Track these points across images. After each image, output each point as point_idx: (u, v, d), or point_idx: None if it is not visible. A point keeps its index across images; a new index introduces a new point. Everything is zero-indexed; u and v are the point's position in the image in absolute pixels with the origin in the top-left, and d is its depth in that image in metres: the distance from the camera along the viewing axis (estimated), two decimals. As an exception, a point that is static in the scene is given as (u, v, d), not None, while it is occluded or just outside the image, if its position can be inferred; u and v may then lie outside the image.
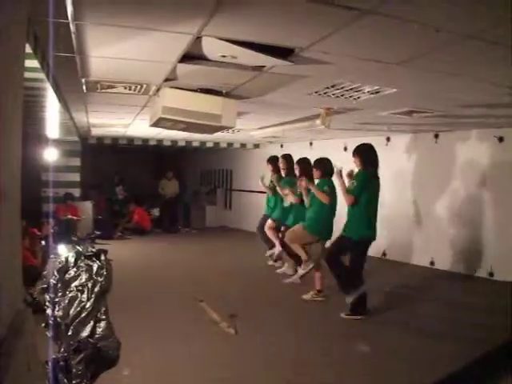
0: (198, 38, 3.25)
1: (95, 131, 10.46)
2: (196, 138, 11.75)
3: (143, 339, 4.68)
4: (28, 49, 3.14)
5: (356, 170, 5.59)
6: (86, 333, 4.65)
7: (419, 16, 2.76)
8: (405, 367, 4.16)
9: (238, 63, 3.87)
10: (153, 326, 5.09)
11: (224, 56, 3.68)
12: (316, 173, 6.26)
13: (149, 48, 3.59)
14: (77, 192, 12.22)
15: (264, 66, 4.03)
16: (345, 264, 5.53)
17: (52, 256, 8.73)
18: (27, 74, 3.97)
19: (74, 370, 3.67)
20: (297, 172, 6.88)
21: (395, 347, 4.67)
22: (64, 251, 8.96)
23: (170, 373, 3.97)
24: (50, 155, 10.87)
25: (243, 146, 13.00)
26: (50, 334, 4.72)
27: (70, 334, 4.61)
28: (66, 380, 3.55)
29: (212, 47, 3.45)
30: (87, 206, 12.01)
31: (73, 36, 3.26)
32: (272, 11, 2.73)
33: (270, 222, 7.80)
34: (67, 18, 2.89)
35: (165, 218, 13.53)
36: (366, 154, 5.45)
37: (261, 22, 2.93)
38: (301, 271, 6.68)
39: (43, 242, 8.87)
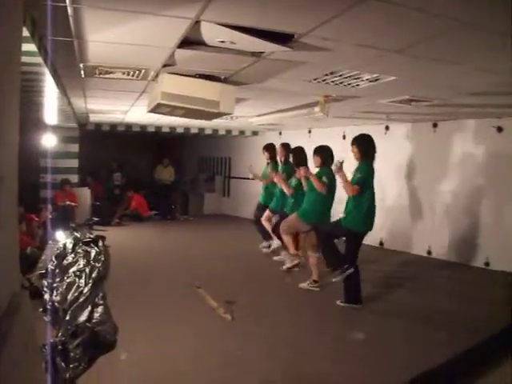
0: (197, 23, 3.22)
1: (93, 117, 10.42)
2: (194, 124, 11.72)
3: (140, 324, 4.70)
4: (25, 32, 3.12)
5: (350, 158, 5.56)
6: (83, 317, 4.66)
7: (420, 2, 2.74)
8: (402, 355, 4.19)
9: (237, 49, 3.85)
10: (149, 312, 5.11)
11: (223, 41, 3.66)
12: (316, 160, 6.14)
13: (147, 33, 3.56)
14: (75, 178, 12.20)
15: (263, 52, 4.00)
16: (337, 247, 5.56)
17: (50, 242, 8.75)
18: (24, 59, 3.94)
19: (71, 354, 3.69)
20: (291, 160, 6.95)
21: (392, 335, 4.72)
22: (62, 237, 8.97)
23: (165, 357, 4.00)
24: (49, 141, 10.85)
25: (242, 133, 12.96)
26: (47, 318, 4.74)
27: (67, 318, 4.62)
28: (63, 364, 3.57)
29: (211, 32, 3.43)
30: (85, 193, 12.01)
31: (70, 20, 3.23)
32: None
33: (267, 212, 7.79)
34: (65, 1, 2.87)
35: (161, 204, 13.49)
36: (366, 146, 5.39)
37: (260, 7, 2.91)
38: (287, 264, 6.80)
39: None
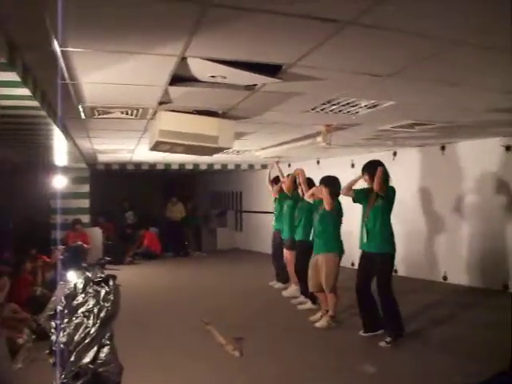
0: (184, 59, 3.26)
1: (102, 157, 10.55)
2: (203, 160, 11.77)
3: (147, 363, 4.66)
4: (16, 77, 3.17)
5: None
6: (88, 358, 4.60)
7: (405, 25, 2.73)
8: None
9: (229, 83, 3.88)
10: (157, 350, 5.05)
11: (213, 76, 3.69)
12: (324, 191, 5.85)
13: (136, 72, 3.61)
14: (86, 218, 12.27)
15: (256, 85, 4.03)
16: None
17: (61, 282, 8.75)
18: (20, 103, 4.03)
19: (72, 397, 3.63)
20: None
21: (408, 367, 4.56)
22: (73, 277, 8.96)
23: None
24: (59, 182, 10.98)
25: (251, 166, 13.00)
26: (52, 360, 4.69)
27: (72, 359, 4.57)
28: (63, 408, 3.50)
29: (199, 68, 3.46)
30: (97, 232, 12.07)
31: (61, 62, 3.29)
32: (251, 29, 2.73)
33: (286, 252, 7.56)
34: (52, 45, 2.93)
35: (172, 241, 13.50)
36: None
37: (242, 41, 2.94)
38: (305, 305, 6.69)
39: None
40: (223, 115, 5.20)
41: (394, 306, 5.16)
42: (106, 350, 4.87)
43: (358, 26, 2.72)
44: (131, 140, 7.45)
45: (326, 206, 5.77)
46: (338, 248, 5.91)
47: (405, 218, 8.83)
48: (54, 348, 4.93)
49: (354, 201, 5.52)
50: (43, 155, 8.96)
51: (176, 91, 4.19)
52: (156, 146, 5.28)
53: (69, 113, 5.02)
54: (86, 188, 12.50)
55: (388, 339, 5.05)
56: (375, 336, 5.26)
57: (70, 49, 3.03)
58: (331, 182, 5.95)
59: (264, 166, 13.07)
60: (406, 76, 3.83)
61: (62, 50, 3.04)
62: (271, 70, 3.53)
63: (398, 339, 5.09)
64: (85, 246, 11.03)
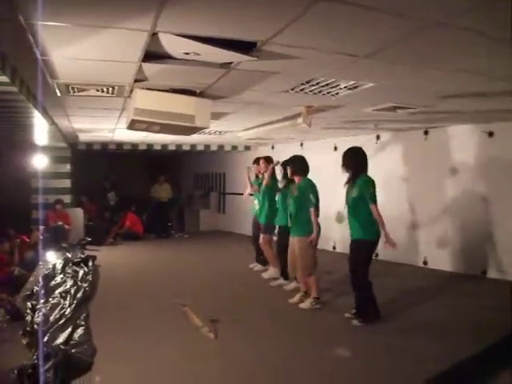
0: (155, 35, 3.17)
1: (83, 137, 10.40)
2: (186, 141, 11.68)
3: (121, 345, 4.63)
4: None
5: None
6: (61, 339, 4.58)
7: (385, 4, 2.67)
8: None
9: (204, 60, 3.79)
10: (132, 332, 5.02)
11: (187, 53, 3.60)
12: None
13: (107, 47, 3.50)
14: (67, 198, 12.15)
15: (231, 63, 3.95)
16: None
17: (40, 263, 8.68)
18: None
19: (42, 378, 3.59)
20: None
21: (384, 348, 4.59)
22: (53, 258, 8.91)
23: (140, 379, 3.91)
24: (39, 162, 10.83)
25: (234, 148, 12.92)
26: (25, 341, 4.64)
27: (45, 340, 4.53)
28: (32, 388, 3.47)
29: (172, 44, 3.38)
30: (78, 213, 11.97)
31: (29, 36, 3.19)
32: (222, 3, 2.65)
33: (263, 236, 7.59)
34: (18, 18, 2.83)
35: (156, 222, 13.39)
36: (360, 158, 5.38)
37: (213, 16, 2.85)
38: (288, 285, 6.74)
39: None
40: (200, 94, 5.12)
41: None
42: (80, 330, 4.85)
43: (329, 2, 2.64)
44: (110, 119, 7.33)
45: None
46: (309, 231, 5.86)
47: (387, 202, 8.87)
48: (28, 328, 4.88)
49: None
50: (22, 134, 8.80)
51: (150, 68, 4.09)
52: (132, 125, 5.19)
53: (44, 90, 4.90)
54: (67, 168, 12.38)
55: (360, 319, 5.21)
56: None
57: (37, 22, 2.92)
58: (291, 162, 6.30)
59: (247, 148, 13.01)
60: (383, 58, 3.78)
61: (28, 23, 2.94)
62: (246, 47, 3.45)
63: (373, 321, 5.16)
64: (65, 226, 10.95)
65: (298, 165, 6.16)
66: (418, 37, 3.24)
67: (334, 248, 10.16)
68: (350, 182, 5.31)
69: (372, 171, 5.40)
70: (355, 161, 5.32)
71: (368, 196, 5.11)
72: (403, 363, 4.18)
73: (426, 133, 8.46)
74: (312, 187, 5.95)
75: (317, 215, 5.87)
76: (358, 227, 5.19)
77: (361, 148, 5.46)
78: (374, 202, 5.10)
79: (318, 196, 5.98)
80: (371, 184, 5.19)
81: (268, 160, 7.76)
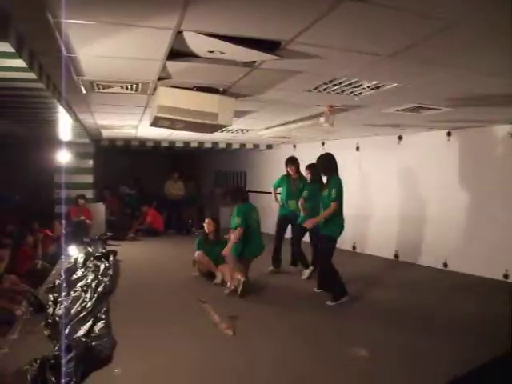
0: (180, 33, 3.20)
1: (106, 133, 10.51)
2: (208, 138, 11.74)
3: (139, 339, 4.69)
4: (9, 48, 3.13)
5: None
6: (82, 331, 4.65)
7: (408, 3, 2.66)
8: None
9: (228, 59, 3.82)
10: (151, 327, 5.07)
11: (212, 52, 3.63)
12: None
13: (132, 45, 3.55)
14: (90, 193, 12.32)
15: (255, 62, 3.97)
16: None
17: (63, 257, 8.83)
18: (17, 74, 3.99)
19: (63, 369, 3.66)
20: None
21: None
22: (75, 252, 9.05)
23: (158, 372, 3.96)
24: (63, 157, 11.00)
25: (256, 146, 12.91)
26: (47, 332, 4.72)
27: (66, 332, 4.61)
28: (53, 378, 3.53)
29: (197, 42, 3.40)
30: (100, 208, 12.12)
31: (56, 34, 3.25)
32: (246, 2, 2.66)
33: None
34: (47, 16, 2.88)
35: (172, 219, 13.44)
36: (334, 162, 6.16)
37: (238, 15, 2.87)
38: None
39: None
40: (224, 92, 5.15)
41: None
42: (100, 323, 4.93)
43: (354, 2, 2.64)
44: (134, 115, 7.41)
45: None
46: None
47: (405, 202, 8.81)
48: (49, 320, 4.97)
49: None
50: (47, 129, 8.94)
51: (175, 66, 4.13)
52: (156, 122, 5.25)
53: (69, 87, 4.98)
54: (89, 163, 12.55)
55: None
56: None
57: (64, 20, 2.98)
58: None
59: (269, 147, 13.00)
60: (407, 57, 3.74)
61: (55, 22, 3.00)
62: (270, 46, 3.47)
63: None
64: (87, 221, 11.09)
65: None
66: (442, 36, 3.20)
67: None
68: (326, 184, 6.08)
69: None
70: (330, 165, 6.13)
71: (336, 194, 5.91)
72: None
73: (449, 134, 8.36)
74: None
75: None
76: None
77: (331, 153, 6.32)
78: (336, 200, 5.89)
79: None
80: (341, 184, 6.03)
81: (294, 161, 7.96)
